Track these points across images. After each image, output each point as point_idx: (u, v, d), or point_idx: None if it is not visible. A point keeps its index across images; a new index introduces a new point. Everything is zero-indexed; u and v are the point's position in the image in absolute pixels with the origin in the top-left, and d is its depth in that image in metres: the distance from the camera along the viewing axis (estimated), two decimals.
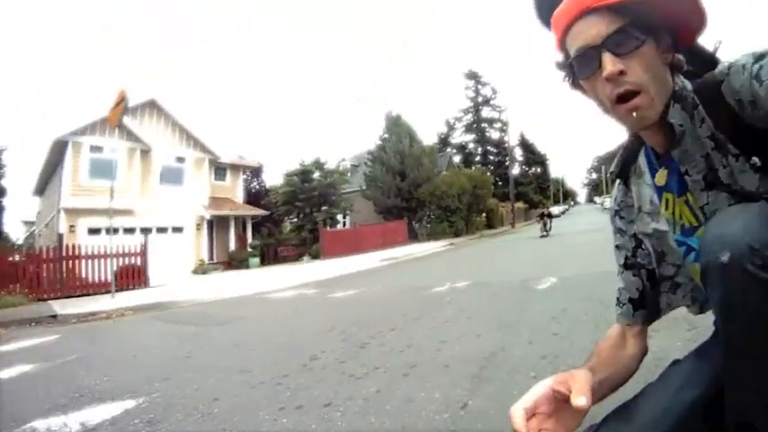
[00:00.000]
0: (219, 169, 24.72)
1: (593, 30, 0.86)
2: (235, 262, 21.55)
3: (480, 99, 59.66)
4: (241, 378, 3.17)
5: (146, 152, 20.41)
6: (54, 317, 7.98)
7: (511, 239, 21.11)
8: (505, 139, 54.65)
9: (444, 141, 56.90)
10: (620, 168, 1.16)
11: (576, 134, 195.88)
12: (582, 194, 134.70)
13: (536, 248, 13.57)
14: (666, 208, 1.06)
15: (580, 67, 0.91)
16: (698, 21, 0.88)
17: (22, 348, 5.37)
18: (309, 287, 9.82)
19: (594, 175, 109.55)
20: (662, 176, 1.03)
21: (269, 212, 25.13)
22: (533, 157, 70.71)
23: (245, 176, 27.57)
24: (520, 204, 48.24)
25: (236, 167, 25.56)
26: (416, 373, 2.88)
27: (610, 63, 0.85)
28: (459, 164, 43.68)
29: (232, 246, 22.70)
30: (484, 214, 33.30)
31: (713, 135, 0.92)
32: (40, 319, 7.89)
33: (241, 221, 23.92)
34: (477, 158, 57.43)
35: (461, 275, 8.22)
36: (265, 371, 3.27)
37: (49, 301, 10.61)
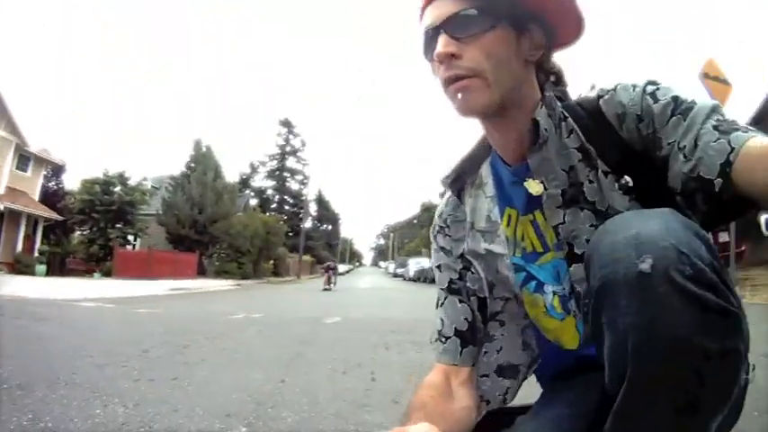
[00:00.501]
0: (24, 158, 22.55)
1: (438, 11, 0.82)
2: (20, 266, 19.64)
3: (288, 149, 61.54)
4: (89, 361, 3.85)
5: None
6: None
7: (298, 288, 22.41)
8: (304, 192, 57.15)
9: (245, 182, 57.04)
10: (454, 177, 1.03)
11: (370, 200, 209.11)
12: (368, 257, 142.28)
13: (323, 296, 15.15)
14: (507, 225, 0.95)
15: (424, 48, 0.87)
16: (574, 25, 0.85)
17: None
18: (111, 302, 9.93)
19: (382, 241, 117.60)
20: (535, 186, 0.88)
21: (63, 219, 23.43)
22: (327, 214, 74.15)
23: (45, 173, 25.32)
24: (308, 257, 50.03)
25: (40, 160, 23.58)
26: (237, 364, 3.92)
27: (441, 44, 0.81)
28: (255, 207, 44.26)
29: (19, 247, 20.74)
30: (272, 261, 34.16)
31: (582, 146, 0.85)
32: None
33: (33, 221, 22.07)
34: (274, 206, 58.52)
35: (256, 309, 9.24)
36: (107, 357, 3.98)
37: None
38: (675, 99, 0.78)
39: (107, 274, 20.68)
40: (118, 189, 24.48)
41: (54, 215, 22.79)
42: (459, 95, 0.82)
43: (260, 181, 60.40)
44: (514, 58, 0.83)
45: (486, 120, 0.90)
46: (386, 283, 33.03)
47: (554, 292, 0.92)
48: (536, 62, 0.88)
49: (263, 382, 3.24)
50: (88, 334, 5.46)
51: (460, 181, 1.04)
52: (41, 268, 19.68)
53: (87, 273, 21.16)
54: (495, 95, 0.82)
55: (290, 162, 61.47)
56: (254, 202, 50.09)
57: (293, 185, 61.23)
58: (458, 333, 1.00)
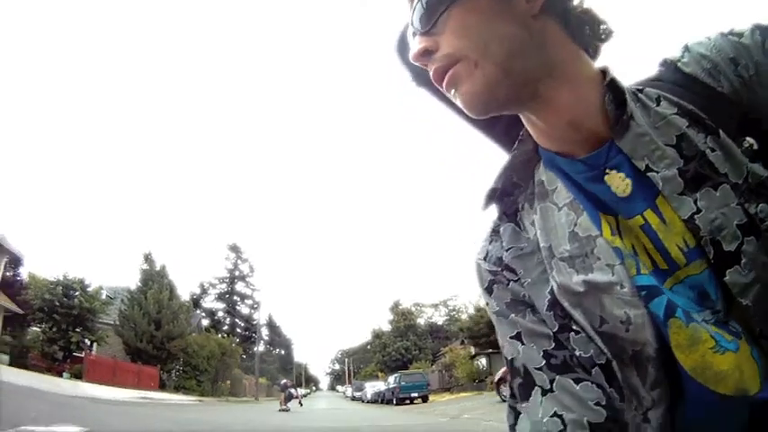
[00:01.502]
0: None
1: (409, 23, 0.67)
2: None
3: (237, 273, 61.04)
4: None
5: None
6: None
7: (262, 407, 22.38)
8: (255, 316, 56.44)
9: (196, 303, 56.02)
10: (502, 189, 0.74)
11: (322, 327, 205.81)
12: (325, 382, 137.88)
13: (288, 414, 15.66)
14: (611, 236, 0.63)
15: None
16: None
17: None
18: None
19: (338, 366, 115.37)
20: (618, 181, 0.63)
21: (24, 312, 22.73)
22: (279, 339, 72.92)
23: (4, 262, 24.56)
24: (263, 380, 48.73)
25: (3, 250, 22.98)
26: None
27: (413, 45, 0.66)
28: (208, 327, 43.70)
29: None
30: (228, 381, 33.64)
31: (684, 109, 0.62)
32: None
33: None
34: (225, 328, 57.15)
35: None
36: None
37: None
38: (758, 26, 0.62)
39: (76, 375, 20.32)
40: (77, 294, 24.39)
41: (15, 307, 22.11)
42: (453, 92, 0.64)
43: (210, 302, 59.28)
44: (502, 18, 0.62)
45: (514, 109, 0.67)
46: (345, 404, 32.87)
47: (705, 320, 0.59)
48: (554, 12, 0.64)
49: None
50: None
51: (508, 199, 0.75)
52: (4, 358, 19.05)
53: (49, 370, 20.50)
54: (491, 73, 0.61)
55: (240, 286, 60.97)
56: (205, 322, 49.38)
57: (244, 309, 60.43)
58: (593, 428, 0.59)
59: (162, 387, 26.17)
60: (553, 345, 0.65)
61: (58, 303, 23.12)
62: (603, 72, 0.65)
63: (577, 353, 0.63)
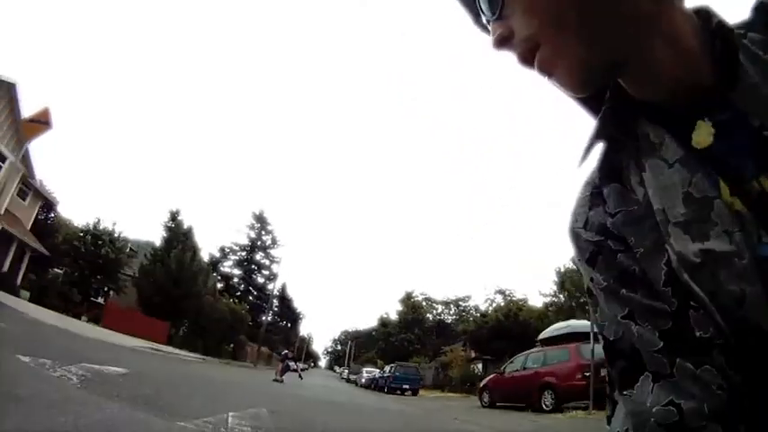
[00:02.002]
0: (25, 188, 23.85)
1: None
2: (4, 286, 19.96)
3: (259, 243, 61.41)
4: None
5: None
6: None
7: (254, 373, 23.44)
8: (269, 287, 57.56)
9: (214, 266, 57.32)
10: (601, 155, 0.66)
11: (332, 304, 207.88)
12: (323, 360, 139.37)
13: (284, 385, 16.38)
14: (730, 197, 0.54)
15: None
16: None
17: None
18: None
19: (339, 347, 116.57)
20: (703, 130, 0.56)
21: (49, 255, 24.12)
22: (288, 312, 73.78)
23: (40, 205, 26.41)
24: (265, 349, 49.96)
25: (38, 194, 24.77)
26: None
27: (491, 34, 0.60)
28: (221, 290, 44.90)
29: (5, 268, 21.34)
30: (231, 345, 34.86)
31: None
32: None
33: (21, 249, 22.68)
34: (238, 294, 57.91)
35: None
36: None
37: None
38: None
39: (94, 320, 21.58)
40: (105, 245, 25.76)
41: (41, 248, 23.52)
42: (548, 80, 0.59)
43: (228, 267, 59.92)
44: None
45: (614, 76, 0.60)
46: (338, 384, 34.02)
47: None
48: None
49: None
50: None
51: (610, 156, 0.65)
52: (26, 294, 20.42)
53: (65, 311, 21.63)
54: (577, 49, 0.55)
55: (259, 256, 61.32)
56: (220, 285, 50.62)
57: (259, 279, 60.96)
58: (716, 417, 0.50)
59: (169, 341, 27.35)
60: (671, 324, 0.56)
61: (84, 251, 24.57)
62: (699, 12, 0.58)
63: (697, 333, 0.54)
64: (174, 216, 32.78)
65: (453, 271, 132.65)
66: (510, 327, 28.22)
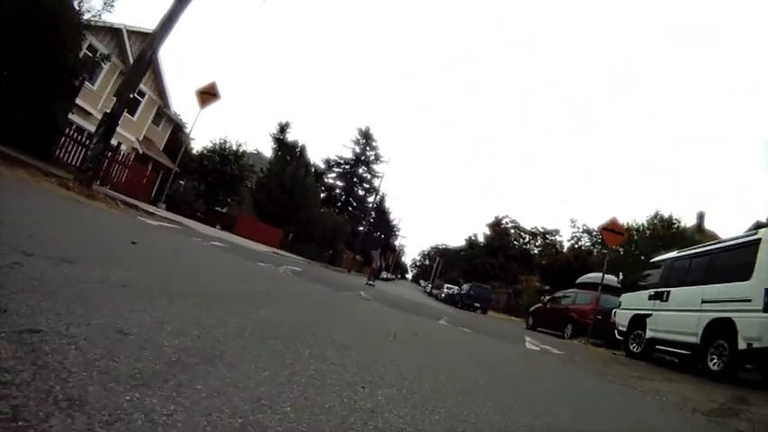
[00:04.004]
0: (158, 115, 28.42)
1: None
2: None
3: (363, 158, 65.41)
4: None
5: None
6: None
7: (350, 278, 28.02)
8: (369, 200, 61.83)
9: (319, 177, 62.11)
10: None
11: (427, 218, 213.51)
12: (410, 274, 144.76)
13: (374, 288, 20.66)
14: None
15: None
16: None
17: None
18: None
19: (427, 262, 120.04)
20: None
21: (179, 171, 28.90)
22: (384, 224, 77.73)
23: (171, 129, 31.38)
24: (359, 257, 55.31)
25: (170, 120, 29.55)
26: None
27: None
28: (324, 200, 49.99)
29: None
30: (331, 251, 39.89)
31: None
32: None
33: (156, 168, 27.69)
34: (339, 204, 62.33)
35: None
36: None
37: None
38: None
39: (227, 228, 26.40)
40: (232, 163, 30.44)
41: (173, 166, 27.84)
42: None
43: (332, 178, 64.86)
44: None
45: None
46: (421, 297, 38.14)
47: None
48: None
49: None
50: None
51: None
52: (163, 205, 23.72)
53: (199, 221, 25.31)
54: None
55: (362, 170, 65.37)
56: (323, 195, 55.50)
57: (360, 191, 65.38)
58: None
59: (281, 246, 32.06)
60: None
61: (211, 168, 29.29)
62: None
63: None
64: (283, 128, 37.41)
65: (548, 202, 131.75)
66: (576, 267, 30.36)
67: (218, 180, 29.64)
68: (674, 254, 11.35)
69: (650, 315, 10.66)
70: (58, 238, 4.17)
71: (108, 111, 10.78)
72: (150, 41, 10.78)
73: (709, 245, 10.42)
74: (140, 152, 25.76)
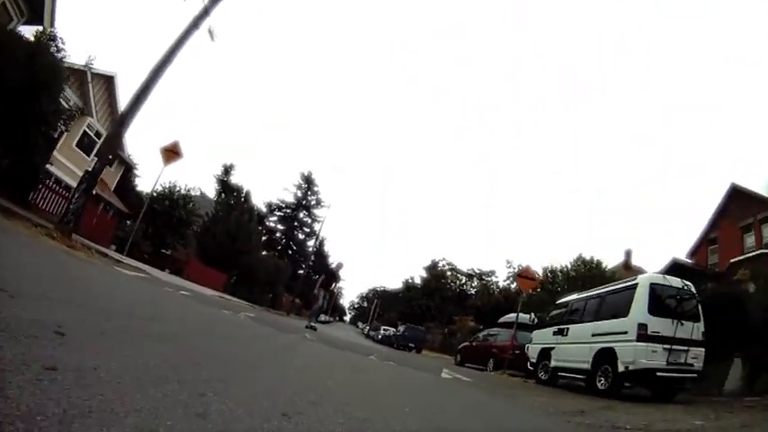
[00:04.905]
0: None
1: None
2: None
3: (305, 203, 66.37)
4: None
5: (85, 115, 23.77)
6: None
7: (291, 320, 29.05)
8: (309, 244, 62.62)
9: (261, 221, 62.54)
10: None
11: (363, 263, 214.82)
12: (348, 316, 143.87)
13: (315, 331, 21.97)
14: None
15: None
16: None
17: None
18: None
19: (366, 304, 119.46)
20: None
21: (131, 213, 29.71)
22: (323, 267, 77.26)
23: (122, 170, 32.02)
24: (298, 300, 55.93)
25: (122, 161, 30.43)
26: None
27: None
28: (264, 243, 51.08)
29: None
30: (271, 295, 40.90)
31: None
32: None
33: (106, 208, 28.07)
34: (279, 247, 62.96)
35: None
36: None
37: None
38: None
39: (176, 272, 26.73)
40: (179, 209, 31.30)
41: (123, 208, 28.98)
42: None
43: (272, 222, 65.47)
44: None
45: None
46: (358, 338, 39.48)
47: None
48: None
49: None
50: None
51: None
52: (113, 247, 24.08)
53: (146, 263, 25.45)
54: None
55: (303, 215, 66.09)
56: (263, 238, 55.84)
57: (300, 235, 66.12)
58: None
59: (224, 290, 32.67)
60: None
61: (161, 211, 29.99)
62: None
63: None
64: (227, 169, 38.62)
65: (484, 244, 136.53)
66: (506, 308, 32.78)
67: (166, 223, 30.36)
68: (574, 296, 13.67)
69: (554, 348, 12.80)
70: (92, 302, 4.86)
71: (89, 169, 12.02)
72: (130, 107, 12.13)
73: (600, 288, 12.70)
74: (93, 193, 26.29)
